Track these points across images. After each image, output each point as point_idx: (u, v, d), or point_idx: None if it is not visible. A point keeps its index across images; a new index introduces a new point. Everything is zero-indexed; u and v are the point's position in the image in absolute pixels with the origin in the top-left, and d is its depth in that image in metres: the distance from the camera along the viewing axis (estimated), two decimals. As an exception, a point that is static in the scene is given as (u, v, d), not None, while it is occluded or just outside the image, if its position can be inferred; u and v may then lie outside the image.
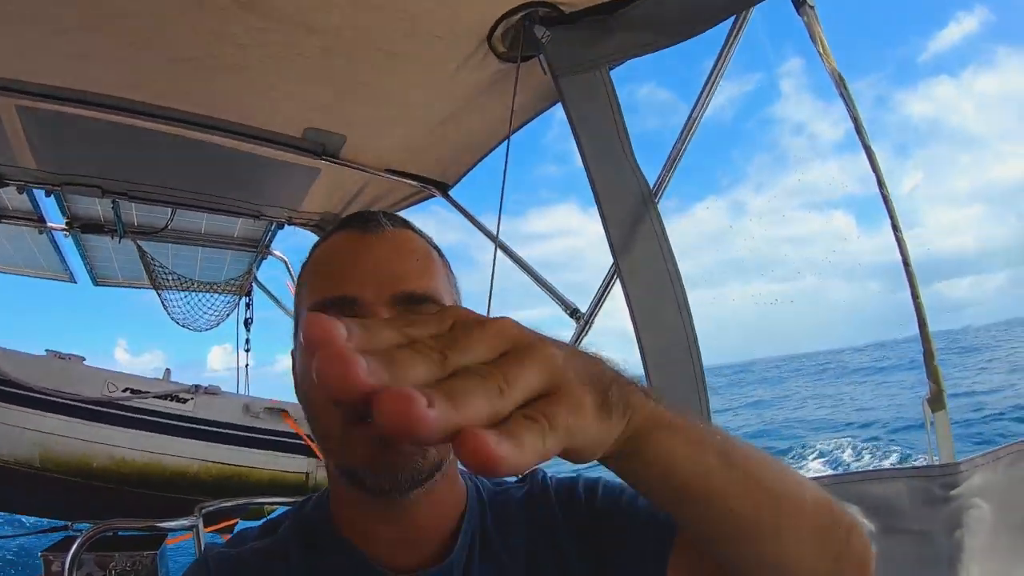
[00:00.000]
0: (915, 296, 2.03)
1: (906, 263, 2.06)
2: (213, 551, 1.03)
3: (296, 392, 1.04)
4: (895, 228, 2.05)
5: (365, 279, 0.97)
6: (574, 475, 1.15)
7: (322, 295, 0.98)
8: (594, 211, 2.20)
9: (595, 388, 0.52)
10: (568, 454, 0.50)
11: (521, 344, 0.49)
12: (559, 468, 1.00)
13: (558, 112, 2.40)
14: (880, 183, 2.07)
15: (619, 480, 0.97)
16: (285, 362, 1.15)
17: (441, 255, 1.09)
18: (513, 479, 1.18)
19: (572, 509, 1.09)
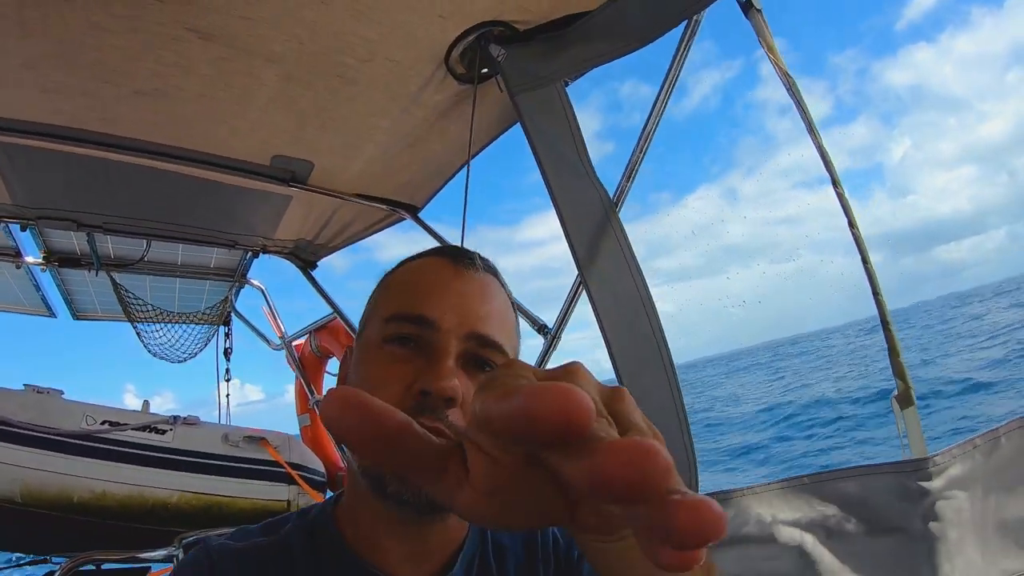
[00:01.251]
0: (875, 293, 2.08)
1: (864, 260, 2.10)
2: (215, 542, 1.03)
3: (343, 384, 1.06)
4: (851, 225, 2.11)
5: (447, 307, 0.99)
6: None
7: (401, 309, 1.00)
8: None
9: None
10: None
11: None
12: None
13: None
14: (835, 182, 2.12)
15: None
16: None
17: (516, 311, 1.12)
18: None
19: (556, 548, 1.13)
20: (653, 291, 2.26)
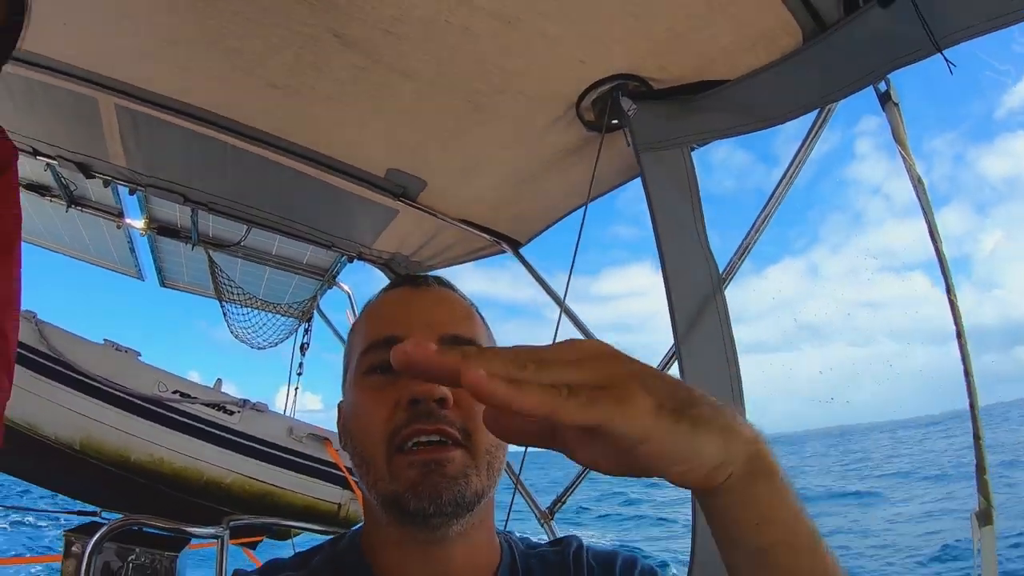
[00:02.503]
0: (973, 404, 1.97)
1: (967, 372, 1.99)
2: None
3: (343, 435, 1.09)
4: (953, 307, 1.99)
5: (413, 323, 1.05)
6: (612, 549, 1.18)
7: (373, 337, 1.05)
8: None
9: (662, 395, 0.58)
10: (620, 440, 0.57)
11: (595, 352, 0.60)
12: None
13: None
14: (943, 265, 2.02)
15: (656, 569, 0.99)
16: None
17: (481, 315, 1.16)
18: (546, 542, 1.21)
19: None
20: None
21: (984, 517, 1.92)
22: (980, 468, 1.94)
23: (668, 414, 0.57)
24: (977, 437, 1.95)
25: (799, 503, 0.67)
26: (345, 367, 1.13)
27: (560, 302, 2.82)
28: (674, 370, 2.33)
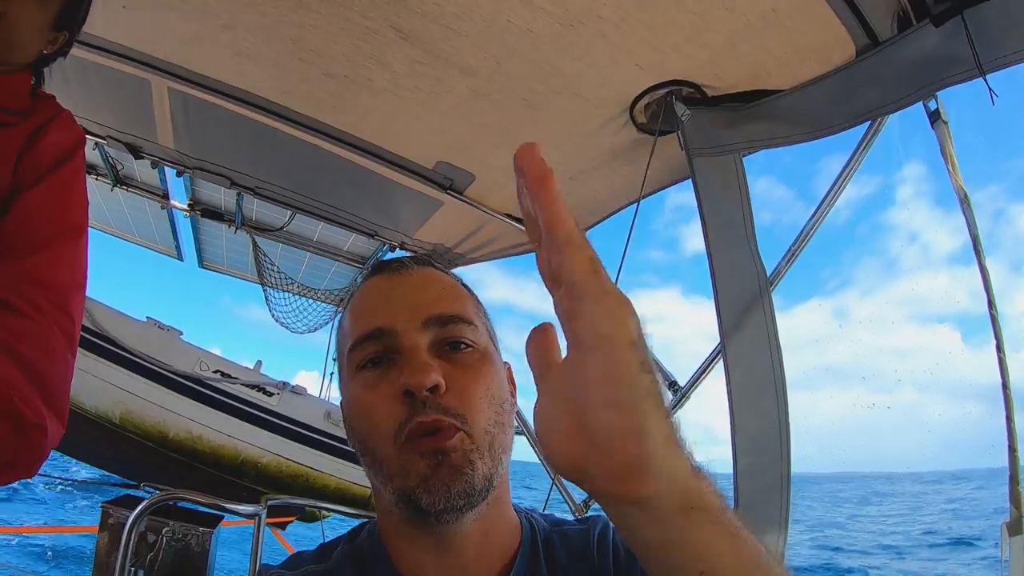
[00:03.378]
0: (1009, 420, 1.98)
1: (1005, 385, 2.04)
2: (270, 572, 1.05)
3: (349, 433, 1.06)
4: (999, 349, 2.04)
5: (396, 310, 1.01)
6: None
7: (359, 332, 1.01)
8: (694, 300, 2.21)
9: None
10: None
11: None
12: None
13: (670, 199, 2.43)
14: (991, 303, 2.05)
15: None
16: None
17: (466, 287, 1.14)
18: (571, 520, 1.18)
19: (632, 566, 1.06)
20: None
21: (1016, 527, 1.94)
22: (1014, 479, 1.96)
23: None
24: (1013, 449, 1.95)
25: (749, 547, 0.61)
26: (339, 366, 1.11)
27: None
28: (719, 368, 2.34)
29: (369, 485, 1.06)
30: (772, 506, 2.21)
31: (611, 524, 1.09)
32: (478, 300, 1.13)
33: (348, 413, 1.05)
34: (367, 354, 0.99)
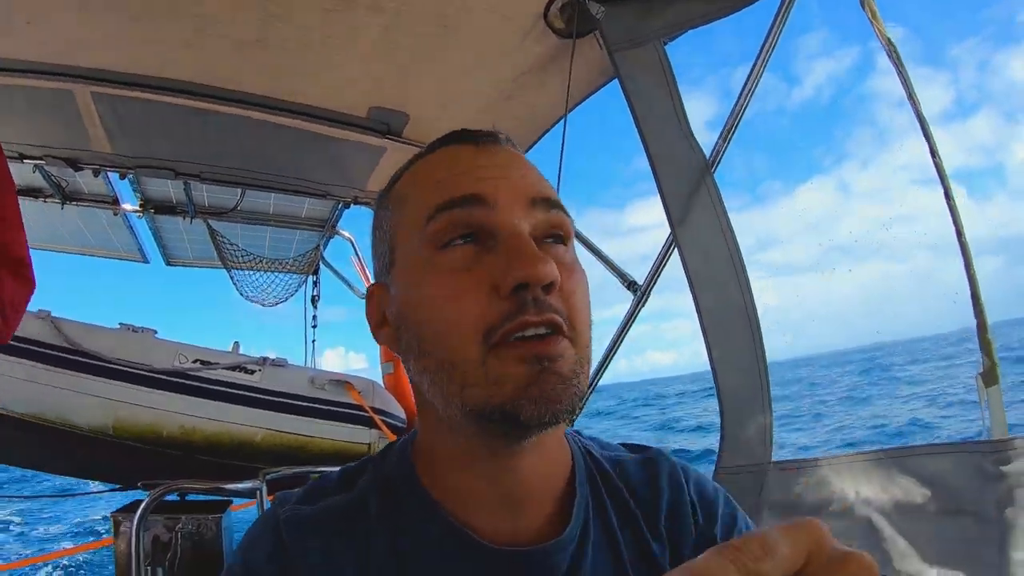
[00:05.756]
0: (968, 267, 1.97)
1: (959, 232, 1.99)
2: (284, 509, 0.88)
3: (401, 330, 0.85)
4: (947, 196, 2.01)
5: (497, 181, 0.82)
6: (714, 484, 1.03)
7: (444, 196, 0.80)
8: None
9: None
10: None
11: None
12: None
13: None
14: (933, 152, 2.01)
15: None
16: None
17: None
18: (625, 450, 1.04)
19: (709, 522, 0.96)
20: (758, 284, 2.23)
21: (989, 377, 1.95)
22: (982, 328, 1.96)
23: None
24: (976, 297, 1.96)
25: None
26: (391, 246, 0.89)
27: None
28: (675, 258, 2.38)
29: (365, 442, 0.91)
30: (753, 391, 2.25)
31: (678, 464, 1.02)
32: None
33: (409, 303, 0.83)
34: (455, 223, 0.79)
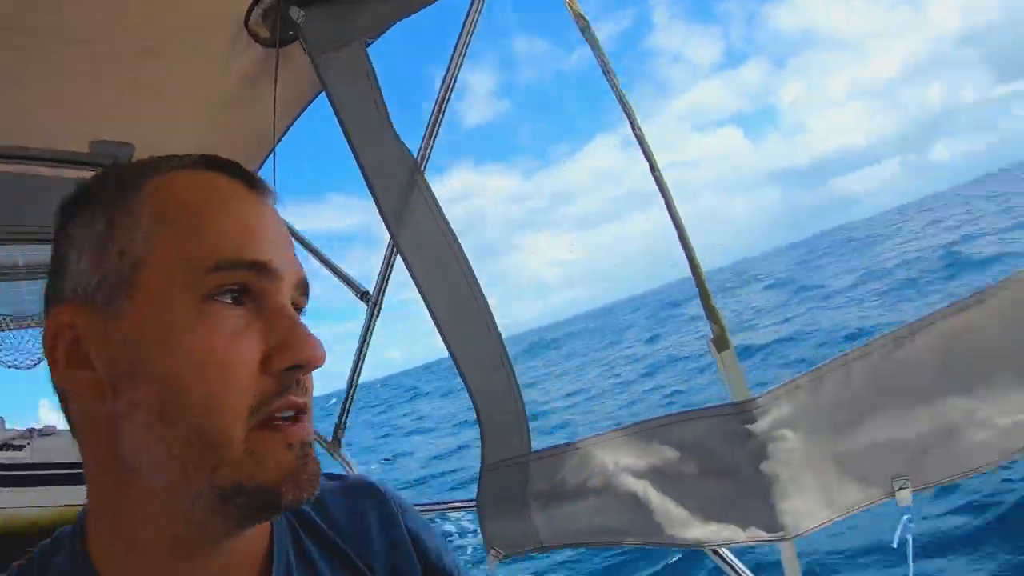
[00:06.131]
0: (683, 239, 2.03)
1: (668, 204, 2.05)
2: None
3: (124, 376, 0.73)
4: (653, 168, 2.07)
5: (282, 254, 0.79)
6: (425, 520, 1.06)
7: (233, 253, 0.74)
8: (486, 169, 2.22)
9: None
10: None
11: None
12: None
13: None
14: (632, 122, 2.10)
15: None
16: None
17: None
18: (329, 479, 1.03)
19: (424, 554, 1.00)
20: (560, 238, 2.26)
21: (720, 342, 2.04)
22: (704, 296, 2.04)
23: None
24: (694, 263, 2.04)
25: None
26: (133, 265, 0.75)
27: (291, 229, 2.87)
28: (399, 264, 2.43)
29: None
30: (501, 384, 2.30)
31: (387, 493, 1.03)
32: None
33: (168, 357, 0.71)
34: (233, 284, 0.74)
